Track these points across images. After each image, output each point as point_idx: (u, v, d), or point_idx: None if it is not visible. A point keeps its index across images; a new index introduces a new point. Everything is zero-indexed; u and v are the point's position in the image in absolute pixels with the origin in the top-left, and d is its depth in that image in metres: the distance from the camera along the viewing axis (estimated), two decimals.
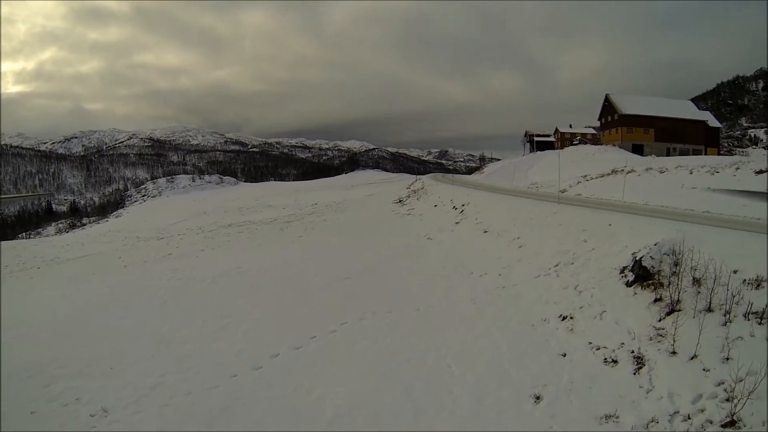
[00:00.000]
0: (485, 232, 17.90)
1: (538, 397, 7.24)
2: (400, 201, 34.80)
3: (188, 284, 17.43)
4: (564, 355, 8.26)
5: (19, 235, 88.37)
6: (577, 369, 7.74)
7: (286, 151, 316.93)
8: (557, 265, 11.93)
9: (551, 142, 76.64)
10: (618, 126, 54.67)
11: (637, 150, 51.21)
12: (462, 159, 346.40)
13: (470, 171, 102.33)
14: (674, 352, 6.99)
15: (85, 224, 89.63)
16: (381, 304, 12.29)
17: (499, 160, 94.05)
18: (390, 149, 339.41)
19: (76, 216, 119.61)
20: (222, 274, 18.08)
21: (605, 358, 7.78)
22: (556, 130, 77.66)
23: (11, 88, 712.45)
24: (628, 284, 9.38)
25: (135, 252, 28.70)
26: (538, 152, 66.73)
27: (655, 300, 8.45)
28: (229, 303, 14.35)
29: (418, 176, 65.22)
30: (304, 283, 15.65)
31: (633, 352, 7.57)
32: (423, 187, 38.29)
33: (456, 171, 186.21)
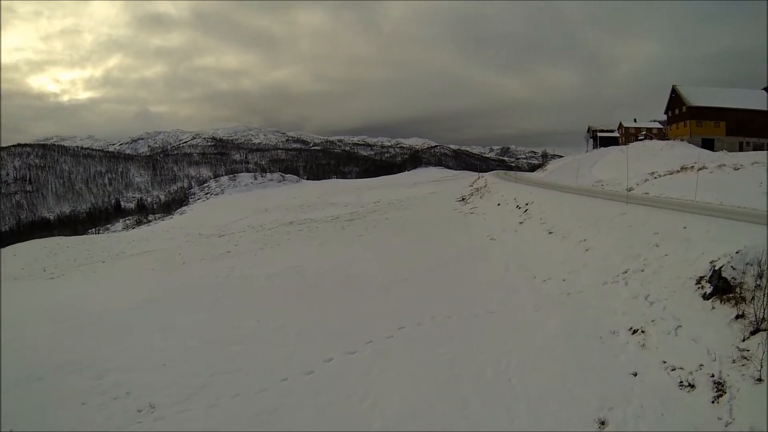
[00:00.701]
0: (550, 233, 17.88)
1: (603, 422, 7.06)
2: (463, 199, 35.45)
3: (244, 283, 18.24)
4: (635, 375, 8.02)
5: (89, 231, 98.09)
6: (649, 392, 7.47)
7: (348, 148, 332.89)
8: (626, 272, 11.80)
9: (615, 137, 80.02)
10: (686, 119, 55.24)
11: (707, 145, 50.62)
12: (524, 156, 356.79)
13: (532, 168, 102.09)
14: (760, 379, 6.60)
15: (150, 221, 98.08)
16: (440, 308, 12.54)
17: (561, 156, 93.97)
18: (452, 146, 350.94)
19: (142, 213, 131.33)
20: (279, 273, 18.76)
21: (681, 381, 7.47)
22: (620, 125, 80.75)
23: (81, 95, 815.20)
24: (705, 297, 9.06)
25: (195, 249, 30.62)
26: (602, 148, 69.15)
27: (737, 317, 8.07)
28: (285, 303, 14.98)
29: (481, 174, 66.47)
30: (363, 283, 16.15)
31: (713, 376, 7.19)
32: (486, 185, 38.75)
33: (518, 168, 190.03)
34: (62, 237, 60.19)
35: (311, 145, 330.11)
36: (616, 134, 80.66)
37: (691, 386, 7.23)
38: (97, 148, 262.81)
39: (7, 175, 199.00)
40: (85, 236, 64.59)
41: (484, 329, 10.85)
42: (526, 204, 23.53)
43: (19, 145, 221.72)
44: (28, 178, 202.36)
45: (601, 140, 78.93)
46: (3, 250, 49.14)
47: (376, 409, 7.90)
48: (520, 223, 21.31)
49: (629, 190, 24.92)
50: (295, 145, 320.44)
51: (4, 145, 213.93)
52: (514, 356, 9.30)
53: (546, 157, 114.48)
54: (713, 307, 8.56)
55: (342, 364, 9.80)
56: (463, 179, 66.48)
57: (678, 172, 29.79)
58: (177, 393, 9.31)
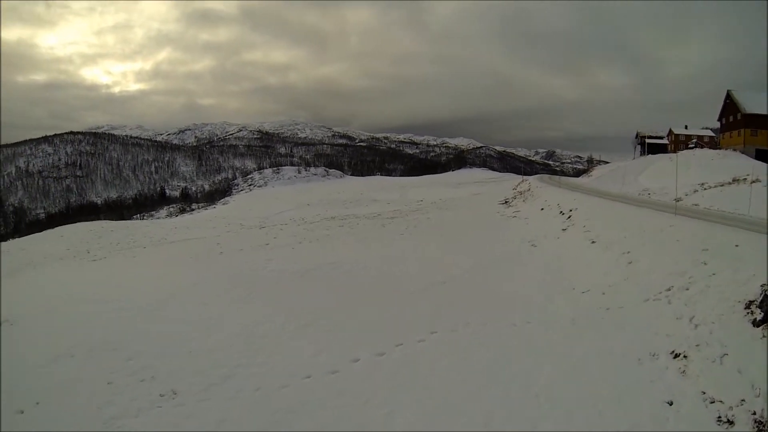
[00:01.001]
0: (592, 242, 17.64)
1: None
2: (506, 202, 35.44)
3: (279, 276, 18.64)
4: (670, 404, 7.69)
5: (134, 216, 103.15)
6: (684, 424, 7.18)
7: (393, 146, 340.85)
8: (670, 289, 11.36)
9: (664, 144, 78.99)
10: (740, 127, 53.21)
11: (762, 156, 47.76)
12: (569, 160, 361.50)
13: (578, 173, 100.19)
14: None
15: (194, 209, 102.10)
16: (476, 315, 12.52)
17: (607, 162, 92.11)
18: (497, 148, 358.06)
19: (186, 201, 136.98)
20: (315, 268, 19.06)
21: (719, 416, 7.10)
22: (670, 132, 79.13)
23: (131, 86, 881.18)
24: (755, 323, 8.54)
25: (234, 240, 31.50)
26: (650, 155, 69.15)
27: None
28: (317, 299, 15.23)
29: (525, 177, 66.08)
30: (399, 284, 16.30)
31: (754, 414, 6.77)
32: (529, 189, 38.65)
33: (563, 173, 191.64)
34: (108, 221, 63.45)
35: (357, 141, 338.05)
36: (665, 141, 79.10)
37: (730, 423, 6.86)
38: (146, 137, 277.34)
39: (59, 160, 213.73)
40: (129, 221, 67.94)
41: (519, 340, 10.67)
42: (570, 210, 23.43)
43: (71, 132, 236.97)
44: (78, 164, 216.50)
45: (649, 147, 77.78)
46: (52, 230, 52.44)
47: (396, 416, 7.86)
48: (563, 229, 21.09)
49: (677, 200, 24.41)
50: (340, 141, 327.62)
51: (58, 132, 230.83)
52: (546, 371, 9.07)
53: (591, 163, 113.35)
54: (763, 336, 8.09)
55: (368, 366, 9.83)
56: (507, 182, 66.30)
57: (730, 184, 28.89)
58: (200, 382, 9.68)
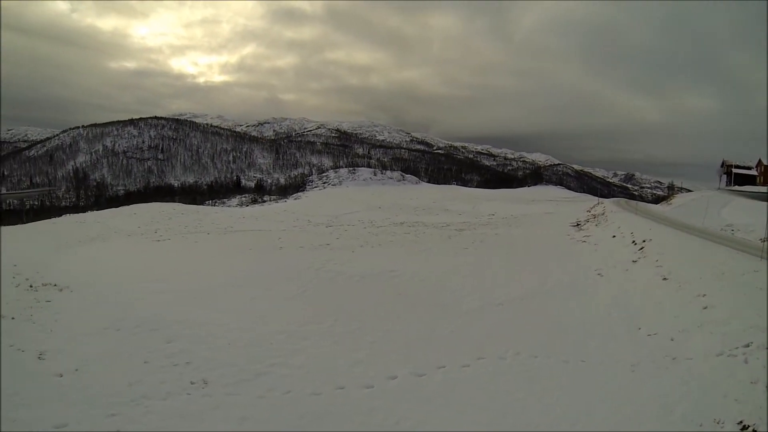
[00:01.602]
0: (664, 279, 16.21)
1: None
2: (578, 224, 34.05)
3: (334, 278, 18.90)
4: None
5: (207, 202, 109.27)
6: None
7: (471, 156, 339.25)
8: (748, 346, 10.21)
9: (752, 176, 72.86)
10: None
11: None
12: (649, 185, 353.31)
13: (656, 200, 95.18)
14: None
15: (265, 201, 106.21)
16: (528, 344, 11.95)
17: (689, 191, 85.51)
18: (575, 166, 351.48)
19: (259, 192, 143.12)
20: (372, 274, 19.11)
21: None
22: (759, 162, 72.72)
23: (216, 78, 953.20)
24: None
25: (297, 236, 32.35)
26: (736, 187, 64.11)
27: None
28: (368, 307, 15.28)
29: (601, 199, 63.72)
30: (454, 300, 16.05)
31: None
32: (604, 213, 36.92)
33: (641, 198, 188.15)
34: (180, 204, 67.63)
35: (435, 148, 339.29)
36: (753, 172, 73.14)
37: None
38: (225, 127, 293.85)
39: (143, 142, 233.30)
40: (200, 206, 71.82)
41: (570, 380, 9.96)
42: (643, 241, 21.95)
43: (156, 117, 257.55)
44: (160, 147, 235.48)
45: (735, 177, 72.49)
46: (127, 207, 56.74)
47: None
48: (633, 261, 19.70)
49: (764, 240, 21.87)
50: (418, 147, 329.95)
51: (144, 116, 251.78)
52: (595, 422, 8.37)
53: (672, 189, 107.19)
54: None
55: (405, 386, 9.60)
56: (582, 203, 64.08)
57: None
58: (232, 375, 9.91)
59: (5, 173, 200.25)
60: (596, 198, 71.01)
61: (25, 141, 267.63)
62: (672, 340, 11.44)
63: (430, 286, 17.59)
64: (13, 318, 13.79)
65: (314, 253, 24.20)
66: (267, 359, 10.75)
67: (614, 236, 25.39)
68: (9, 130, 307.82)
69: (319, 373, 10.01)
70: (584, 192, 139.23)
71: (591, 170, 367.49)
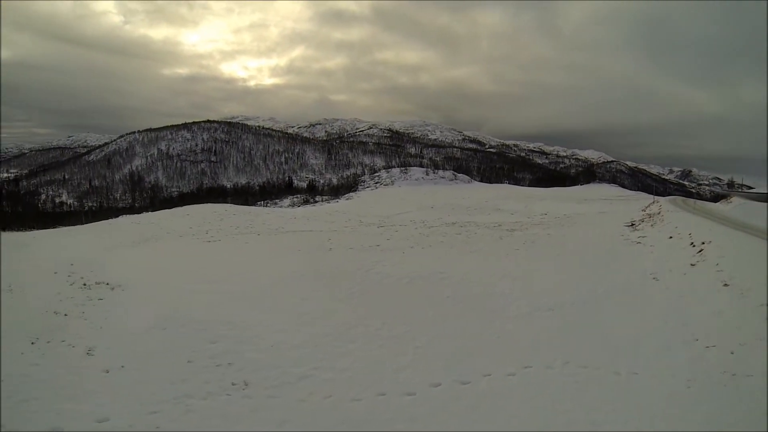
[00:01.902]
0: (725, 285, 14.82)
1: None
2: (633, 224, 32.65)
3: (383, 280, 18.92)
4: None
5: (259, 203, 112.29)
6: None
7: (523, 154, 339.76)
8: None
9: None
10: None
11: None
12: (707, 182, 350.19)
13: (715, 197, 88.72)
14: None
15: (317, 201, 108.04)
16: (577, 353, 11.34)
17: (751, 188, 77.93)
18: (629, 163, 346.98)
19: (311, 193, 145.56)
20: (422, 276, 18.96)
21: None
22: None
23: (266, 81, 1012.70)
24: None
25: (347, 237, 32.60)
26: None
27: None
28: (415, 310, 15.13)
29: (656, 197, 60.42)
30: (503, 304, 15.67)
31: None
32: (660, 212, 34.91)
33: (699, 195, 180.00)
34: (232, 205, 69.75)
35: (487, 146, 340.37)
36: None
37: None
38: (277, 129, 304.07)
39: (196, 145, 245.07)
40: (252, 207, 73.83)
41: (620, 394, 9.37)
42: (702, 243, 20.30)
43: (208, 121, 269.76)
44: (213, 150, 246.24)
45: None
46: (180, 208, 59.02)
47: None
48: (691, 264, 18.28)
49: None
50: (470, 145, 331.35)
51: (196, 120, 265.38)
52: None
53: (732, 187, 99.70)
54: None
55: (448, 394, 9.35)
56: (637, 201, 61.56)
57: None
58: (274, 377, 9.99)
59: (66, 177, 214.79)
60: (651, 196, 68.15)
61: (84, 146, 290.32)
62: (732, 353, 10.56)
63: (479, 289, 17.26)
64: (66, 315, 14.57)
65: (364, 254, 24.28)
66: (310, 362, 10.79)
67: (671, 237, 24.10)
68: (69, 137, 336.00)
69: (362, 378, 9.93)
70: (639, 190, 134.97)
71: (646, 167, 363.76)
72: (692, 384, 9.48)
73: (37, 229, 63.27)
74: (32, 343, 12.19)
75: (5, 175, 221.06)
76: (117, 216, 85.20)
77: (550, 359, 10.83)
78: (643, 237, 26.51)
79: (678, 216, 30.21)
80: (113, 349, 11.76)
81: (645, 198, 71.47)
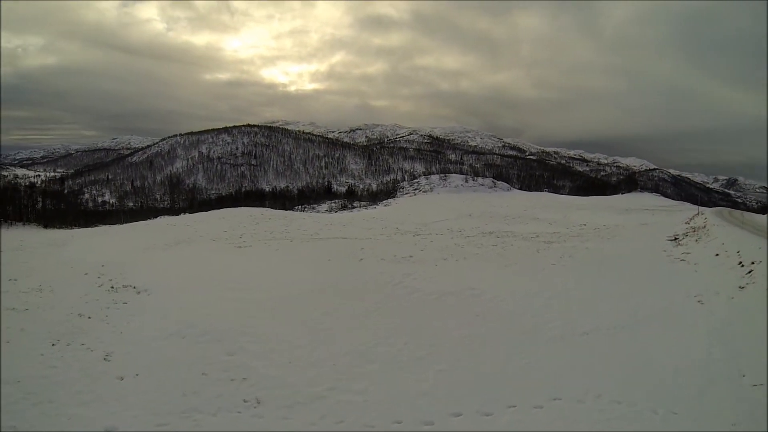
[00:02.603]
0: None
1: None
2: (676, 239, 31.01)
3: (412, 295, 18.54)
4: None
5: (296, 207, 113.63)
6: None
7: (563, 162, 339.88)
8: None
9: None
10: None
11: None
12: (753, 191, 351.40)
13: (764, 208, 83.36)
14: None
15: (355, 207, 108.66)
16: (612, 386, 10.55)
17: None
18: (671, 171, 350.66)
19: (350, 198, 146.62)
20: (453, 292, 18.46)
21: None
22: None
23: (307, 86, 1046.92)
24: None
25: (379, 246, 32.31)
26: None
27: None
28: (444, 329, 14.64)
29: (700, 208, 57.50)
30: (534, 326, 14.98)
31: None
32: (705, 226, 32.88)
33: (745, 206, 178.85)
34: (269, 209, 70.56)
35: (527, 153, 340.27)
36: None
37: None
38: (318, 134, 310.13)
39: (237, 149, 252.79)
40: (289, 212, 74.55)
41: None
42: (752, 263, 18.64)
43: (248, 125, 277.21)
44: (253, 154, 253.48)
45: None
46: (217, 211, 60.22)
47: None
48: (740, 287, 16.88)
49: None
50: (510, 152, 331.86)
51: (237, 124, 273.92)
52: None
53: None
54: None
55: (468, 425, 8.89)
56: (680, 212, 59.17)
57: None
58: (287, 396, 9.82)
59: (109, 177, 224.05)
60: (695, 207, 65.69)
61: (128, 148, 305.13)
62: None
63: (511, 308, 16.60)
64: (89, 317, 14.90)
65: (395, 266, 23.92)
66: (327, 382, 10.57)
67: (717, 255, 22.69)
68: (114, 139, 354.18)
69: (378, 403, 9.61)
70: (682, 199, 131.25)
71: (689, 175, 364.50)
72: (737, 429, 8.76)
73: (79, 227, 65.96)
74: (53, 345, 12.50)
75: (52, 174, 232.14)
76: (156, 216, 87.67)
77: (582, 392, 10.19)
78: (687, 254, 25.26)
79: (725, 230, 28.65)
80: (130, 356, 11.90)
81: (689, 208, 69.31)
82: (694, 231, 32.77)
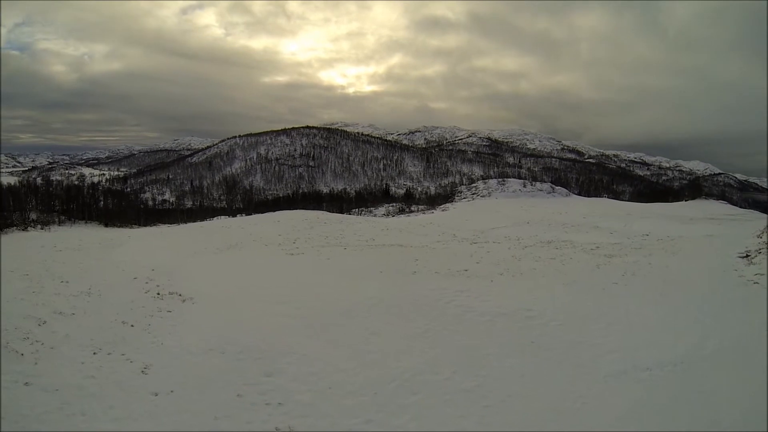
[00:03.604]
0: None
1: None
2: (747, 256, 27.87)
3: (463, 315, 17.73)
4: None
5: (353, 210, 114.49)
6: None
7: (623, 165, 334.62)
8: None
9: None
10: None
11: None
12: None
13: None
14: None
15: (413, 211, 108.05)
16: None
17: None
18: (737, 176, 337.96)
19: (408, 201, 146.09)
20: (506, 313, 17.54)
21: None
22: None
23: (365, 88, 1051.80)
24: None
25: (435, 257, 31.65)
26: None
27: None
28: (493, 357, 13.81)
29: None
30: (591, 357, 13.82)
31: None
32: None
33: None
34: (324, 212, 71.11)
35: (586, 157, 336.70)
36: None
37: None
38: (376, 135, 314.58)
39: (295, 150, 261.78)
40: (345, 216, 74.96)
41: None
42: None
43: (307, 126, 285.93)
44: (312, 155, 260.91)
45: None
46: (272, 214, 61.34)
47: None
48: None
49: None
50: (569, 155, 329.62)
51: (296, 126, 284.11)
52: None
53: None
54: None
55: None
56: (749, 222, 54.61)
57: None
58: (320, 426, 9.52)
59: (170, 176, 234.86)
60: (766, 216, 61.73)
61: (188, 149, 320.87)
62: None
63: (568, 335, 15.41)
64: (132, 326, 15.06)
65: (449, 281, 23.18)
66: (366, 413, 10.13)
67: None
68: (175, 140, 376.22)
69: None
70: (750, 207, 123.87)
71: (757, 180, 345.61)
72: None
73: (138, 225, 68.75)
74: (94, 353, 12.66)
75: (116, 173, 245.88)
76: (213, 216, 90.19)
77: None
78: (761, 275, 23.01)
79: None
80: (168, 369, 11.88)
81: (758, 218, 65.27)
82: None
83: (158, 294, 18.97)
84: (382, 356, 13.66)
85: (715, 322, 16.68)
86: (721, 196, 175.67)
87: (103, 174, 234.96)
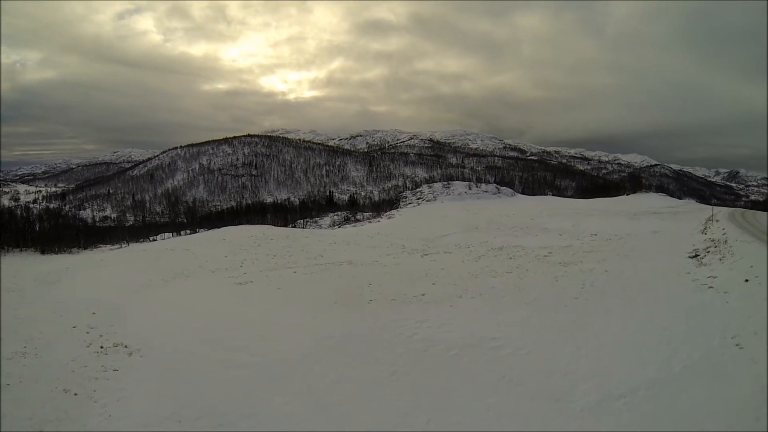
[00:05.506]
0: None
1: None
2: (696, 255, 29.02)
3: (428, 350, 17.14)
4: None
5: (298, 221, 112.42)
6: None
7: (564, 161, 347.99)
8: None
9: None
10: None
11: None
12: (755, 183, 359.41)
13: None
14: None
15: (358, 220, 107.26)
16: None
17: None
18: (673, 166, 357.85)
19: (352, 209, 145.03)
20: (471, 344, 17.08)
21: None
22: None
23: (306, 93, 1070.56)
24: None
25: (389, 280, 31.03)
26: None
27: None
28: (467, 398, 13.19)
29: (714, 209, 57.52)
30: (565, 388, 13.49)
31: None
32: (725, 239, 31.01)
33: (746, 198, 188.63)
34: (269, 227, 69.68)
35: (528, 154, 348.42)
36: None
37: None
38: (318, 141, 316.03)
39: (237, 159, 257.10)
40: (290, 230, 73.50)
41: None
42: None
43: (249, 135, 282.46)
44: (254, 164, 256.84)
45: None
46: (217, 231, 59.47)
47: None
48: None
49: None
50: (511, 153, 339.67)
51: (237, 134, 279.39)
52: None
53: None
54: None
55: None
56: (689, 214, 58.26)
57: None
58: None
59: (110, 191, 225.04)
60: (704, 206, 65.18)
61: (128, 162, 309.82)
62: None
63: (537, 364, 15.11)
64: (75, 394, 13.58)
65: (407, 309, 22.49)
66: None
67: (747, 280, 20.92)
68: (115, 152, 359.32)
69: None
70: (685, 195, 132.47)
71: (691, 170, 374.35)
72: None
73: (78, 247, 65.11)
74: None
75: (53, 189, 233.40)
76: (157, 234, 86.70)
77: None
78: (713, 277, 23.44)
79: (749, 248, 26.79)
80: None
81: (697, 209, 68.75)
82: (715, 245, 30.84)
83: (101, 347, 17.39)
84: (350, 409, 12.82)
85: (678, 335, 16.56)
86: (660, 187, 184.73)
87: (39, 191, 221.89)
